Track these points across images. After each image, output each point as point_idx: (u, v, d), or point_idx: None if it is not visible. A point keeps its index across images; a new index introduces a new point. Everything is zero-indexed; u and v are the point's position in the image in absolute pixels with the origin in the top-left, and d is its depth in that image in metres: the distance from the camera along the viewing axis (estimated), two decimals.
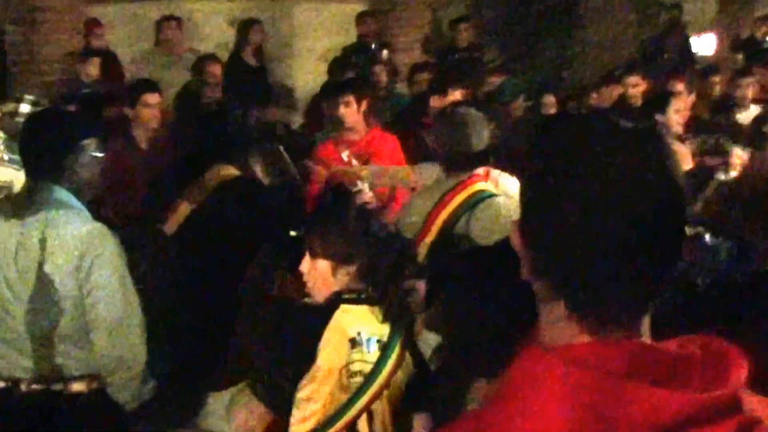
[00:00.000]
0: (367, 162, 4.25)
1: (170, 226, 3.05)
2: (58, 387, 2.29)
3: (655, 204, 0.84)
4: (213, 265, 2.93)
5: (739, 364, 0.84)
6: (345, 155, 4.25)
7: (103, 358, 2.30)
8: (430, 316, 3.09)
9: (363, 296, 2.28)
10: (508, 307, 2.15)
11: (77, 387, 2.31)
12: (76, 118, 2.70)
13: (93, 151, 2.41)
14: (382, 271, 2.28)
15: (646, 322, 0.87)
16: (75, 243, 2.24)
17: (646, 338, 0.87)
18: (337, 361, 2.21)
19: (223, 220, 2.97)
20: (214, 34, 8.24)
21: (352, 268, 2.28)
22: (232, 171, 3.02)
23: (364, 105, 4.32)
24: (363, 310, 2.27)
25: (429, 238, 2.96)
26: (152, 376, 2.41)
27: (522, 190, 0.93)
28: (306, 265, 2.30)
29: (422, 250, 2.98)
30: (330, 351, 2.21)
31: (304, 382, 2.21)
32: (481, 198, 2.90)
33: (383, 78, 6.59)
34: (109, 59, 6.60)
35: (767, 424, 0.85)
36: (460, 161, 2.93)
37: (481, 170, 2.97)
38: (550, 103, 6.10)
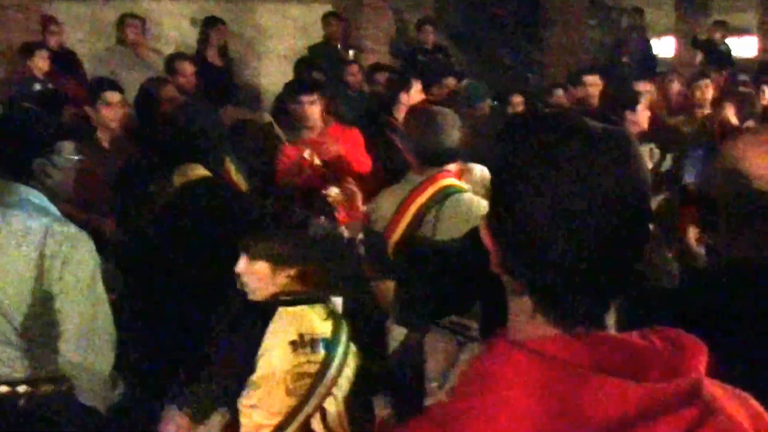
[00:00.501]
0: (327, 159, 4.29)
1: (137, 223, 2.95)
2: (23, 389, 2.21)
3: (622, 204, 0.84)
4: (178, 267, 2.83)
5: (699, 353, 0.86)
6: (307, 153, 4.28)
7: (69, 363, 2.22)
8: (398, 312, 3.09)
9: (301, 297, 2.24)
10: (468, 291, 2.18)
11: (45, 389, 2.23)
12: (50, 119, 2.58)
13: (69, 154, 2.32)
14: (328, 273, 2.27)
15: (611, 315, 0.89)
16: (46, 244, 2.15)
17: (611, 330, 0.88)
18: (279, 366, 2.16)
19: (189, 221, 2.88)
20: (175, 34, 8.14)
21: (293, 271, 2.25)
22: (200, 171, 2.93)
23: (323, 104, 4.39)
24: (304, 310, 2.23)
25: (397, 233, 2.96)
26: (122, 380, 2.33)
27: (494, 187, 0.93)
28: (243, 265, 2.26)
29: (391, 244, 2.97)
30: (270, 356, 2.16)
31: (247, 389, 2.17)
32: (449, 193, 2.90)
33: (359, 78, 6.62)
34: (68, 57, 6.45)
35: (728, 410, 0.87)
36: (431, 157, 2.94)
37: (451, 166, 2.98)
38: (517, 102, 6.12)
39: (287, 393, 2.16)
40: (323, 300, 2.30)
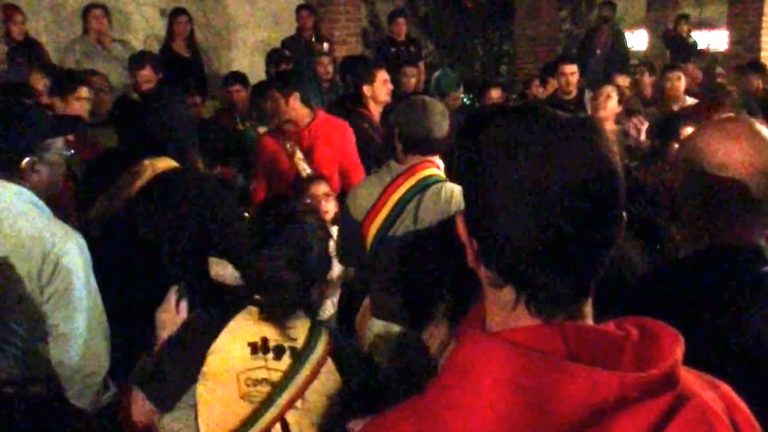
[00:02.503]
0: (311, 150, 4.18)
1: (99, 216, 2.84)
2: (11, 390, 2.16)
3: (591, 190, 0.84)
4: (149, 258, 2.76)
5: (674, 342, 0.87)
6: (288, 145, 4.18)
7: (63, 366, 2.16)
8: (376, 303, 3.05)
9: (275, 300, 2.10)
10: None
11: (34, 389, 2.18)
12: (40, 114, 2.47)
13: (59, 151, 2.25)
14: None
15: (588, 306, 0.89)
16: (37, 244, 2.09)
17: (589, 321, 0.89)
18: (231, 366, 2.06)
19: (160, 211, 2.81)
20: (143, 25, 8.02)
21: None
22: (170, 162, 2.86)
23: (299, 96, 4.24)
24: (275, 314, 2.09)
25: (376, 223, 2.95)
26: (112, 382, 2.29)
27: (462, 182, 0.93)
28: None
29: (372, 231, 2.96)
30: (222, 353, 2.06)
31: (199, 382, 2.10)
32: (430, 183, 2.91)
33: (329, 69, 6.62)
34: (33, 48, 6.30)
35: (702, 397, 0.88)
36: (417, 145, 2.94)
37: (435, 156, 2.98)
38: (496, 96, 6.12)
39: (242, 397, 2.06)
40: (306, 307, 2.15)
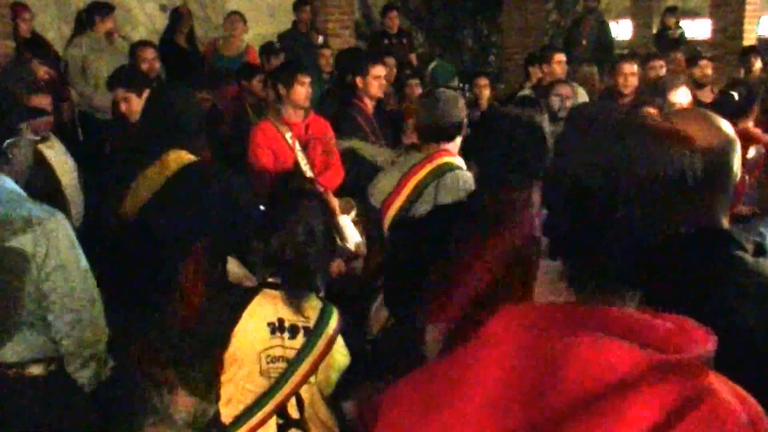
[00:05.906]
0: (307, 144, 4.35)
1: (130, 209, 2.88)
2: (13, 372, 2.21)
3: (617, 187, 0.92)
4: (172, 249, 2.70)
5: (704, 340, 0.89)
6: (288, 137, 4.33)
7: (66, 339, 2.21)
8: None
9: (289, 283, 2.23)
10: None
11: (35, 371, 2.23)
12: (13, 102, 2.53)
13: (28, 136, 2.29)
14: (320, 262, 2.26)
15: (631, 296, 0.94)
16: (26, 226, 2.12)
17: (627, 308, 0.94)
18: (254, 345, 2.19)
19: (185, 203, 2.81)
20: (144, 19, 8.19)
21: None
22: (188, 156, 2.87)
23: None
24: (287, 295, 2.23)
25: (395, 207, 3.11)
26: (111, 357, 2.36)
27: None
28: None
29: (390, 215, 3.13)
30: (245, 334, 2.20)
31: (226, 364, 2.23)
32: (447, 169, 3.08)
33: (330, 62, 6.77)
34: (39, 43, 6.48)
35: (726, 396, 0.88)
36: (431, 134, 3.14)
37: (450, 146, 3.14)
38: (483, 84, 6.34)
39: (261, 373, 2.19)
40: (315, 288, 2.28)
